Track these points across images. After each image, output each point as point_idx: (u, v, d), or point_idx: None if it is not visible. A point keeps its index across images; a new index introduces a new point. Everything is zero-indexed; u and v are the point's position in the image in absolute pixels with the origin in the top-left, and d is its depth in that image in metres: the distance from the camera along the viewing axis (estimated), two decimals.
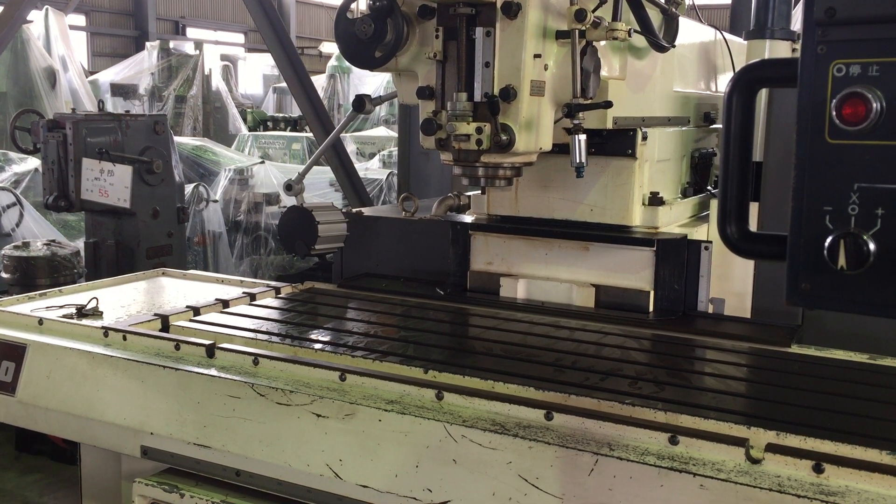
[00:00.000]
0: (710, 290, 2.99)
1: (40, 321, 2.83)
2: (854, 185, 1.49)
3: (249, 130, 17.16)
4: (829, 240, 1.51)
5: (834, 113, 1.47)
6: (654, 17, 3.05)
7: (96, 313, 2.96)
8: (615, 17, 2.62)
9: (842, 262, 1.49)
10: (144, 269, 3.92)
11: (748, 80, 1.79)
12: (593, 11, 2.55)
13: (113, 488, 2.82)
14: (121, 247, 6.61)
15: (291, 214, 3.35)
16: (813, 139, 1.51)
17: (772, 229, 1.86)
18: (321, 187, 9.83)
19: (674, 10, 3.19)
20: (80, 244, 6.94)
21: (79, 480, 2.93)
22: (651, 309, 3.02)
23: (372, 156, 13.13)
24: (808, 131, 1.51)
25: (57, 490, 5.65)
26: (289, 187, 3.43)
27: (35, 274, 6.36)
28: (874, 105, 1.43)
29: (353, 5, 2.78)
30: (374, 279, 3.50)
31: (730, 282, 3.32)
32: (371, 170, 11.27)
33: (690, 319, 2.95)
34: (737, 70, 1.86)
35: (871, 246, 1.47)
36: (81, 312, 2.94)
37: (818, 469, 1.80)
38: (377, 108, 3.58)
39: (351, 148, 13.66)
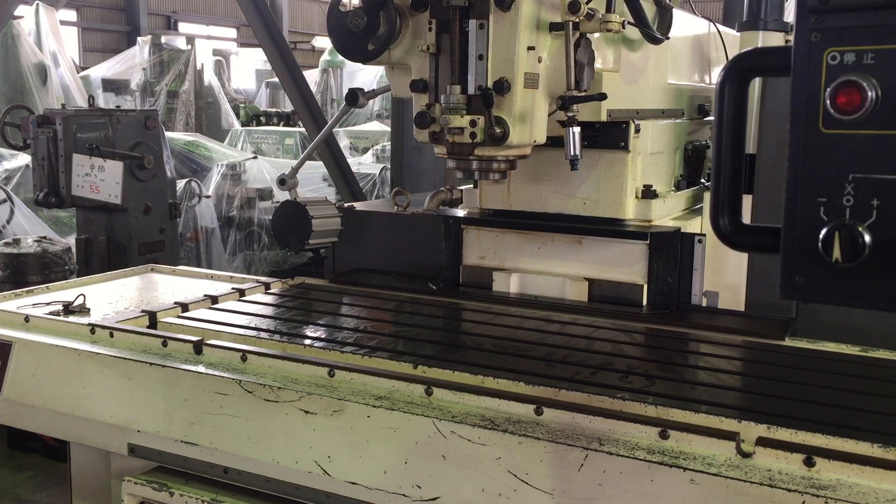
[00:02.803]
0: (703, 284, 2.98)
1: (26, 318, 2.80)
2: (849, 175, 1.47)
3: (242, 125, 17.14)
4: (823, 232, 1.48)
5: (828, 102, 1.45)
6: (648, 8, 3.03)
7: (83, 310, 2.93)
8: (609, 9, 2.60)
9: (836, 254, 1.47)
10: (136, 265, 3.90)
11: (741, 68, 1.76)
12: (587, 3, 2.53)
13: (103, 486, 2.80)
14: (112, 243, 6.57)
15: (285, 209, 3.33)
16: (807, 129, 1.49)
17: (766, 222, 1.84)
18: (314, 182, 9.81)
19: (667, 1, 3.17)
20: (71, 241, 6.91)
21: (68, 479, 2.90)
22: (645, 303, 3.00)
23: (365, 150, 13.13)
24: (801, 121, 1.49)
25: (50, 487, 5.63)
26: (282, 182, 3.41)
27: (26, 271, 6.33)
28: (869, 93, 1.41)
29: None
30: (365, 274, 3.48)
31: (724, 275, 3.31)
32: (364, 164, 11.26)
33: (684, 313, 2.94)
34: (730, 59, 1.83)
35: (867, 238, 1.45)
36: (68, 309, 2.91)
37: (809, 462, 1.78)
38: (370, 102, 3.56)
39: (344, 143, 13.66)
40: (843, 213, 1.47)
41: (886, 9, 1.38)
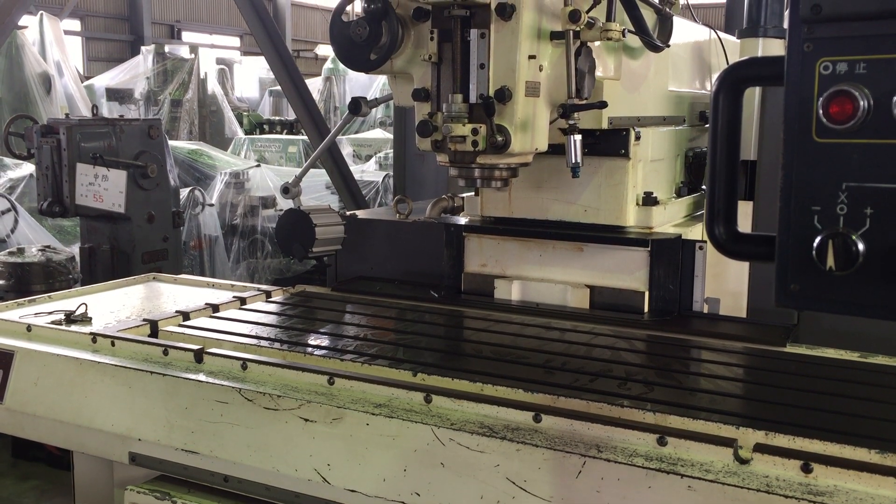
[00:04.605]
0: (705, 290, 2.98)
1: (28, 328, 2.82)
2: (842, 184, 1.47)
3: (245, 134, 17.17)
4: (817, 240, 1.49)
5: (821, 111, 1.46)
6: (648, 17, 3.04)
7: (85, 319, 2.94)
8: (609, 18, 2.62)
9: (830, 262, 1.47)
10: (140, 274, 3.91)
11: (735, 78, 1.77)
12: (587, 12, 2.55)
13: (106, 496, 2.80)
14: (116, 252, 6.58)
15: (289, 217, 3.34)
16: (800, 138, 1.49)
17: (767, 229, 1.85)
18: (318, 190, 9.83)
19: (667, 9, 3.19)
20: (75, 250, 6.92)
21: (71, 488, 2.91)
22: (646, 309, 3.00)
23: (368, 158, 13.14)
24: (795, 130, 1.50)
25: (54, 497, 5.63)
26: (286, 190, 3.42)
27: (30, 280, 6.34)
28: (861, 103, 1.41)
29: (348, 8, 2.77)
30: (367, 282, 3.48)
31: (725, 281, 3.31)
32: (367, 172, 11.28)
33: (685, 320, 2.94)
34: (724, 69, 1.84)
35: (860, 246, 1.46)
36: (70, 318, 2.92)
37: (806, 469, 1.79)
38: (373, 110, 3.57)
39: (347, 150, 13.68)
40: (837, 221, 1.48)
41: (878, 19, 1.39)
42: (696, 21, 3.95)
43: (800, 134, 1.49)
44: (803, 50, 1.47)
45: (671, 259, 2.96)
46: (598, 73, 2.77)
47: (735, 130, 1.75)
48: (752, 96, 3.47)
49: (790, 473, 1.80)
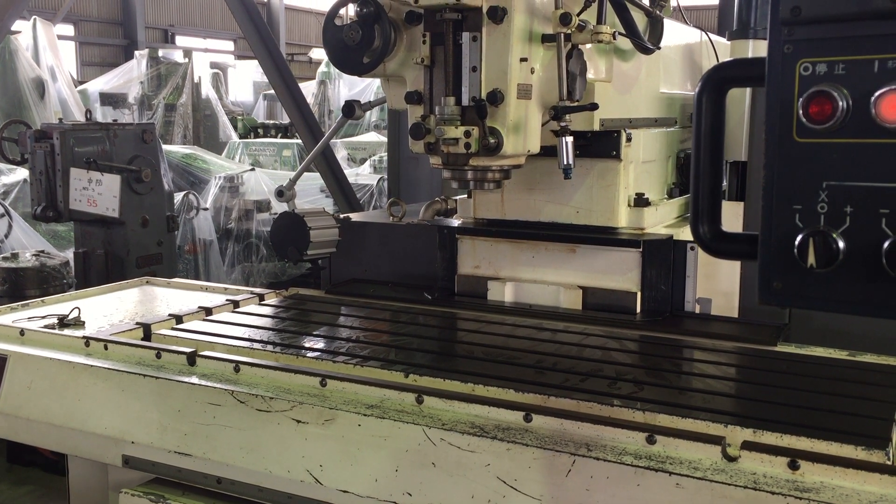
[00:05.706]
0: (696, 290, 2.99)
1: (22, 332, 2.82)
2: (823, 183, 1.49)
3: (240, 137, 17.16)
4: (798, 238, 1.51)
5: (801, 111, 1.47)
6: (639, 19, 3.06)
7: (78, 323, 2.96)
8: (600, 21, 2.64)
9: (811, 260, 1.49)
10: (134, 278, 3.92)
11: (717, 79, 1.79)
12: (578, 15, 2.57)
13: (101, 499, 2.81)
14: (110, 256, 6.59)
15: (283, 220, 3.36)
16: (781, 138, 1.51)
17: (758, 229, 1.87)
18: (312, 193, 9.83)
19: (658, 12, 3.20)
20: (69, 254, 6.92)
21: (66, 491, 2.92)
22: (638, 310, 3.01)
23: (363, 161, 13.14)
24: (776, 130, 1.52)
25: (49, 501, 5.62)
26: (280, 193, 3.44)
27: (24, 285, 6.33)
28: (840, 103, 1.43)
29: (341, 11, 2.79)
30: (361, 285, 3.50)
31: (716, 281, 3.33)
32: (362, 175, 11.28)
33: (677, 320, 2.95)
34: (706, 70, 1.87)
35: (841, 244, 1.48)
36: (63, 322, 2.94)
37: (793, 466, 1.80)
38: (368, 113, 3.59)
39: (342, 153, 13.68)
40: (818, 219, 1.50)
41: (856, 20, 1.41)
42: (686, 23, 3.97)
43: (781, 134, 1.51)
44: (783, 51, 1.49)
45: (663, 260, 2.98)
46: (590, 75, 2.79)
47: (718, 131, 1.77)
48: (743, 98, 3.49)
49: (777, 470, 1.81)
